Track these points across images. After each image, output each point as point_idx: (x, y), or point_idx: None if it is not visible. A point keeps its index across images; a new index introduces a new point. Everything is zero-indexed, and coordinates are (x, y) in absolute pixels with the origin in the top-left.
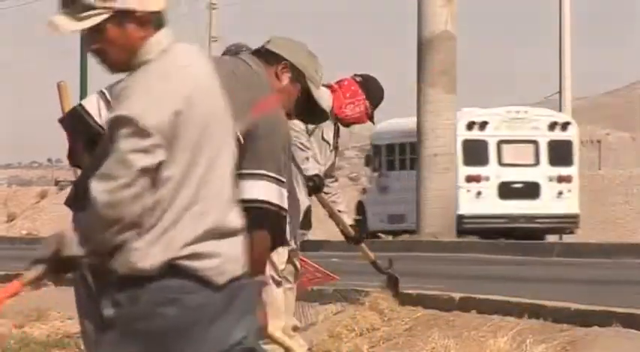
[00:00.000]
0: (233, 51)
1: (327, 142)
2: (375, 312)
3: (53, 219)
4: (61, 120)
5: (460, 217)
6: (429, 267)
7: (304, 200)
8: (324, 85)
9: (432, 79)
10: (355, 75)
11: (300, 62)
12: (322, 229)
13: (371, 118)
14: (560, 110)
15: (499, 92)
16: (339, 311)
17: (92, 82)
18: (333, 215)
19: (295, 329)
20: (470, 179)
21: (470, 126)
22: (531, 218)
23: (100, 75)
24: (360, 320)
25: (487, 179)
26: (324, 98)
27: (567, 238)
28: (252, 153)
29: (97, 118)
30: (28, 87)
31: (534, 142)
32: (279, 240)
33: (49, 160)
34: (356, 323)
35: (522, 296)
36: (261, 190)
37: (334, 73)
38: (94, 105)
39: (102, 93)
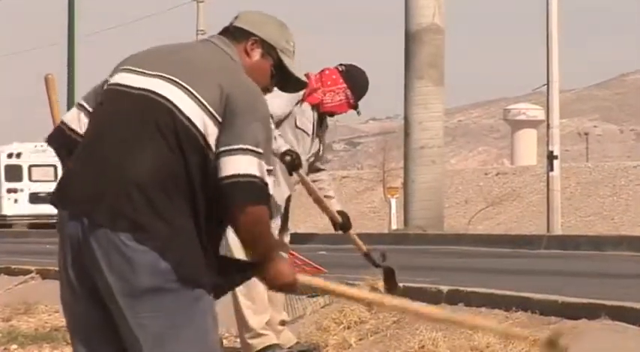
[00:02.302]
0: None
1: (303, 131)
2: (363, 305)
3: None
4: (48, 140)
5: (4, 216)
6: (416, 260)
7: (285, 190)
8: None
9: (419, 71)
10: (340, 64)
11: (270, 36)
12: (310, 222)
13: (355, 108)
14: (547, 102)
15: (487, 85)
16: (326, 304)
17: (80, 74)
18: (319, 201)
19: (283, 323)
20: (10, 191)
21: (10, 155)
22: (52, 216)
23: (87, 67)
24: (348, 313)
25: (22, 190)
26: (296, 67)
27: (556, 231)
28: (229, 129)
29: (79, 131)
30: (16, 80)
31: (54, 166)
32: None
33: None
34: (344, 316)
35: (510, 289)
36: (242, 164)
37: (320, 65)
38: (74, 118)
39: (81, 106)
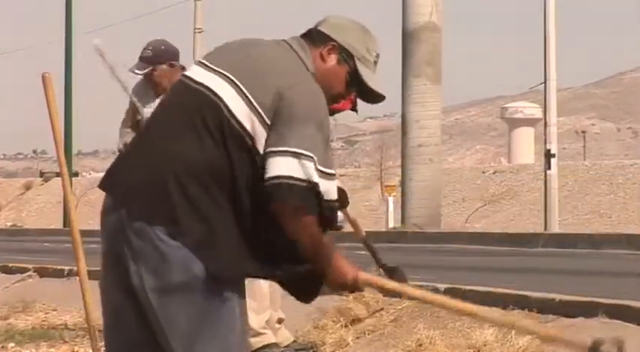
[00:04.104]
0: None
1: None
2: (361, 303)
3: (38, 211)
4: None
5: None
6: (413, 258)
7: None
8: None
9: (416, 69)
10: None
11: (349, 42)
12: None
13: (354, 107)
14: (545, 100)
15: (485, 83)
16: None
17: (77, 72)
18: None
19: (280, 321)
20: None
21: None
22: None
23: (84, 66)
24: (346, 312)
25: None
26: (374, 78)
27: (553, 229)
28: (276, 131)
29: None
30: (13, 78)
31: None
32: (311, 212)
33: (35, 152)
34: (341, 314)
35: (507, 287)
36: (284, 166)
37: None
38: None
39: None
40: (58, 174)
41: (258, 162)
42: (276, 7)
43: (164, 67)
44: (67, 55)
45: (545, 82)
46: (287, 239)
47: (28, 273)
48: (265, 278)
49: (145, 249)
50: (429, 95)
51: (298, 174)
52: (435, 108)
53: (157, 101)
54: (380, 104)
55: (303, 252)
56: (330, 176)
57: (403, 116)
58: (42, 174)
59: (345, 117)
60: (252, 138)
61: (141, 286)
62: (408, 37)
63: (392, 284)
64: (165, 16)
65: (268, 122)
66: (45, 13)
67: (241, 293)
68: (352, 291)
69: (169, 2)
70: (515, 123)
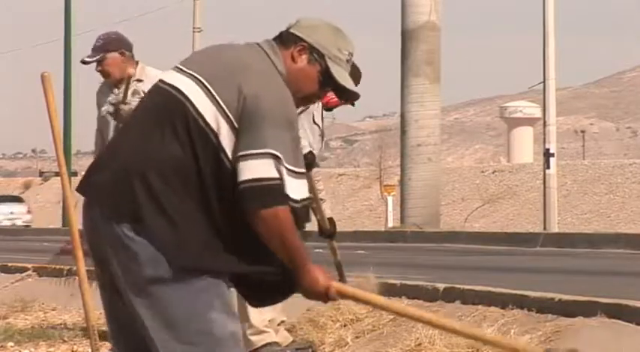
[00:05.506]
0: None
1: (318, 126)
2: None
3: (37, 210)
4: None
5: None
6: (412, 258)
7: None
8: None
9: (415, 69)
10: None
11: (319, 42)
12: None
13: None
14: (544, 100)
15: (484, 82)
16: None
17: (76, 72)
18: (316, 200)
19: (281, 323)
20: None
21: None
22: None
23: (84, 66)
24: (345, 311)
25: None
26: (347, 77)
27: (552, 228)
28: (246, 134)
29: None
30: (13, 78)
31: None
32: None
33: (34, 151)
34: (340, 313)
35: (506, 287)
36: (258, 168)
37: None
38: None
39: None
40: (57, 174)
41: (223, 160)
42: (277, 9)
43: (115, 55)
44: (67, 55)
45: (544, 82)
46: (255, 238)
47: (27, 273)
48: (237, 275)
49: (117, 248)
50: (428, 94)
51: (271, 174)
52: (434, 107)
53: (112, 96)
54: (379, 103)
55: (279, 253)
56: (300, 175)
57: (402, 115)
58: (41, 174)
59: (345, 116)
60: (217, 137)
61: (119, 284)
62: (407, 37)
63: (363, 295)
64: (165, 15)
65: (234, 121)
66: (44, 13)
67: (217, 285)
68: (326, 301)
69: (166, 2)
70: (514, 122)
